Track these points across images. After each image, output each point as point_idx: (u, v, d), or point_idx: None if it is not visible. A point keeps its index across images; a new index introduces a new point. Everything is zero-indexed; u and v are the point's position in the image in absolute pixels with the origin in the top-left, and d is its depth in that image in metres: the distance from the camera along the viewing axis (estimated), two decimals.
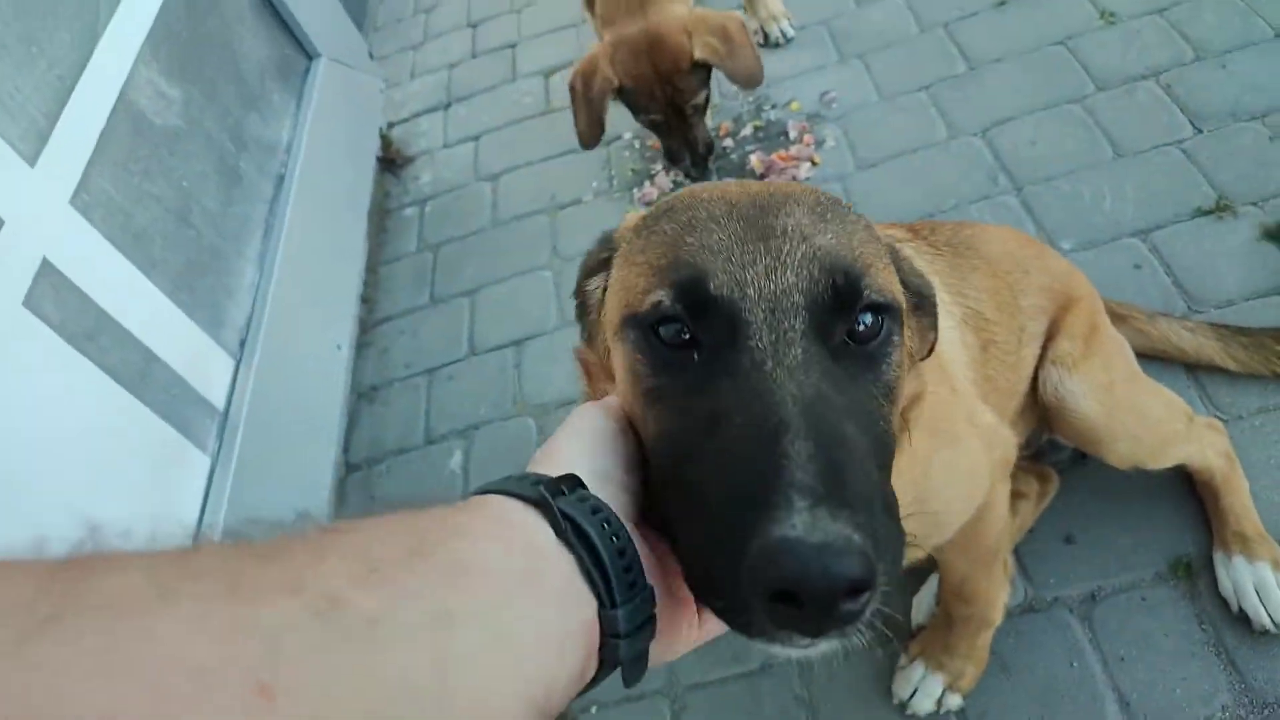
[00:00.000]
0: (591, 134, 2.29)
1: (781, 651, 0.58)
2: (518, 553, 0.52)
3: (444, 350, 2.34)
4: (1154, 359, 1.67)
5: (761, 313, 0.64)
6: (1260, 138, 1.99)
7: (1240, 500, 1.48)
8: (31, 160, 1.55)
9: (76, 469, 1.46)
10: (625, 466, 0.66)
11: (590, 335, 0.83)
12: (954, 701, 1.43)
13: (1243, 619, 1.40)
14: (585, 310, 0.83)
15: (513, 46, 3.20)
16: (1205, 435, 1.49)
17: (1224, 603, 1.43)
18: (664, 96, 2.22)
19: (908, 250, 1.13)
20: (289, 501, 1.91)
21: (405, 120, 3.09)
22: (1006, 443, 1.18)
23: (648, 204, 2.45)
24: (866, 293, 0.66)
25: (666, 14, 2.18)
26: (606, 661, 0.54)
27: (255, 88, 2.32)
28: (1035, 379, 1.38)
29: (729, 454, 0.59)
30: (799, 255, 0.66)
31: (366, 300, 2.53)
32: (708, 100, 2.34)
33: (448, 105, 3.08)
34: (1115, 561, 1.52)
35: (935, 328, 0.84)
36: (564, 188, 2.62)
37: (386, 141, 2.92)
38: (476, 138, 2.90)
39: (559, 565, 0.53)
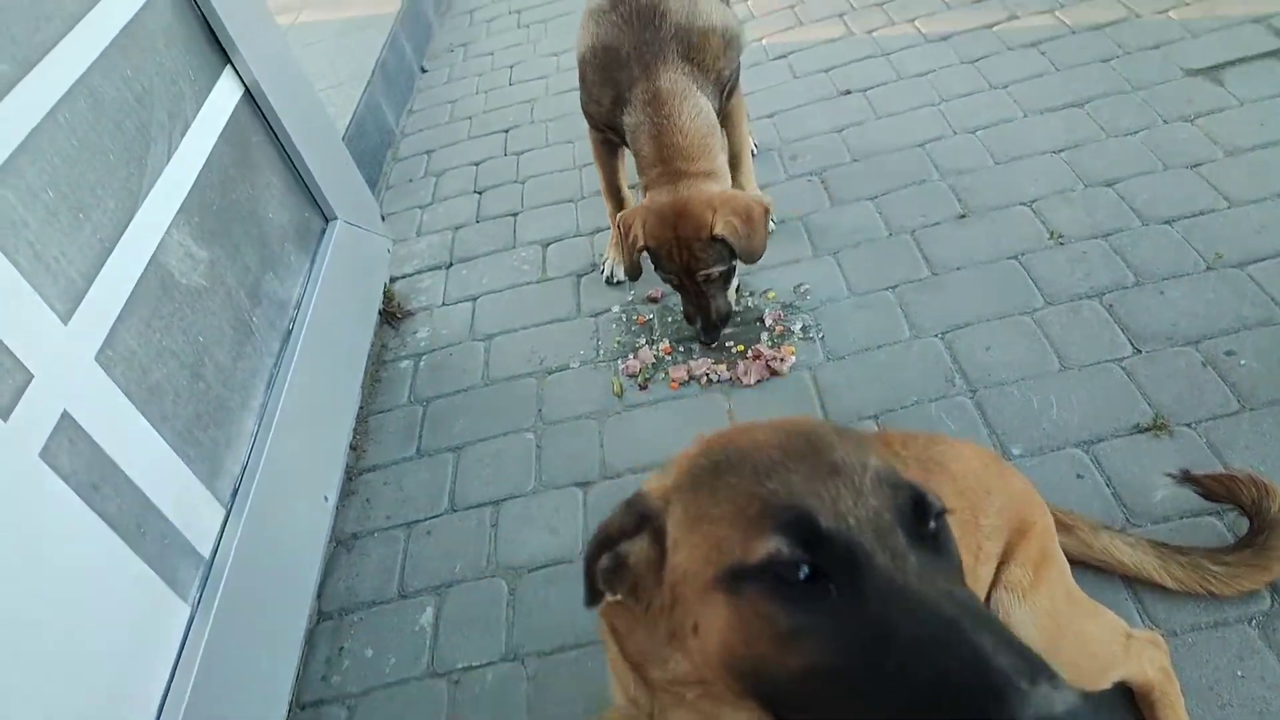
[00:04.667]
0: (632, 272, 2.59)
1: None
2: None
3: (425, 504, 2.42)
4: (1094, 568, 1.78)
5: (870, 536, 0.70)
6: (1194, 363, 2.17)
7: (1175, 715, 1.56)
8: (65, 318, 1.67)
9: (61, 613, 1.51)
10: None
11: (638, 595, 0.85)
12: None
13: None
14: (620, 573, 0.85)
15: (515, 215, 3.43)
16: (1145, 651, 1.57)
17: None
18: (681, 261, 2.44)
19: None
20: (261, 652, 1.94)
21: (408, 275, 3.27)
22: None
23: (630, 375, 2.60)
24: (933, 501, 0.74)
25: (696, 190, 2.43)
26: None
27: (275, 248, 2.49)
28: (988, 598, 1.47)
29: (920, 664, 0.61)
30: (868, 480, 0.73)
31: (355, 448, 2.62)
32: (730, 274, 2.53)
33: (449, 265, 3.27)
34: None
35: None
36: (554, 354, 2.77)
37: (388, 295, 3.09)
38: (475, 298, 3.08)
39: None
